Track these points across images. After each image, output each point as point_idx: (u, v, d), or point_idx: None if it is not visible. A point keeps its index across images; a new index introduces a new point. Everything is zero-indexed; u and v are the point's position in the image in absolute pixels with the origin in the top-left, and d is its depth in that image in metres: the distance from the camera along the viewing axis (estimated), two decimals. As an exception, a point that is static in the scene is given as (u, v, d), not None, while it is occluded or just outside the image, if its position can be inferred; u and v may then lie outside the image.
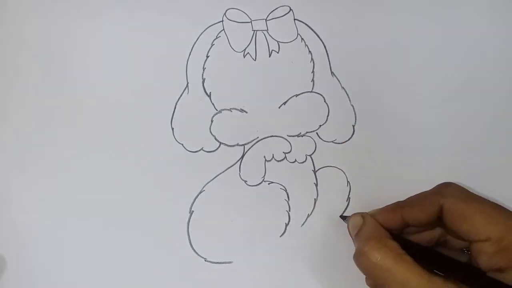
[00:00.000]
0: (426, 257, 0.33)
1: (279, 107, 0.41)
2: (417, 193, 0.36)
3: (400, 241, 0.33)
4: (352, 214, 0.37)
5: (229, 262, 0.39)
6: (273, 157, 0.40)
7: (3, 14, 0.41)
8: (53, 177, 0.40)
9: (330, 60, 0.41)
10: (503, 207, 0.33)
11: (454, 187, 0.35)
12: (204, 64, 0.41)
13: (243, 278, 0.39)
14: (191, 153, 0.40)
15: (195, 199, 0.40)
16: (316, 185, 0.40)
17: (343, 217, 0.39)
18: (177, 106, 0.41)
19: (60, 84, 0.41)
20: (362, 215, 0.36)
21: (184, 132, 0.40)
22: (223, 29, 0.41)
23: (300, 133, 0.41)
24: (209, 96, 0.41)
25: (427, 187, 0.39)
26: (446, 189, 0.35)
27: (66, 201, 0.39)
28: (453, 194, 0.34)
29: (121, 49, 0.41)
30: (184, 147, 0.40)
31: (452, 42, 0.42)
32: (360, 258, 0.32)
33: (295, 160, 0.40)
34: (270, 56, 0.41)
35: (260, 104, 0.41)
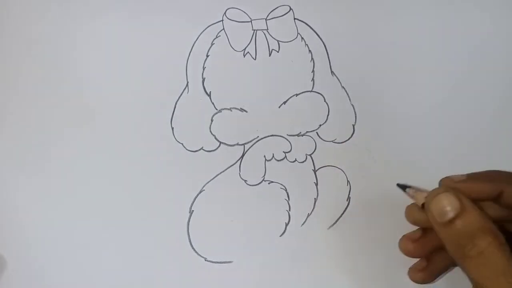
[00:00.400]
0: None
1: (279, 107, 0.41)
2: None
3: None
4: (437, 192, 0.27)
5: (229, 262, 0.39)
6: (273, 156, 0.40)
7: (3, 14, 0.41)
8: (52, 177, 0.39)
9: (330, 60, 0.41)
10: None
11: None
12: (204, 64, 0.41)
13: (243, 278, 0.39)
14: (191, 152, 0.40)
15: (195, 199, 0.40)
16: (316, 184, 0.40)
17: (402, 186, 0.30)
18: (177, 106, 0.41)
19: (60, 84, 0.41)
20: (457, 195, 0.26)
21: (184, 132, 0.40)
22: (223, 29, 0.41)
23: (300, 132, 0.41)
24: (209, 95, 0.41)
25: (427, 186, 0.39)
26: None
27: (65, 200, 0.39)
28: None
29: (121, 48, 0.41)
30: (184, 147, 0.40)
31: (452, 42, 0.42)
32: (470, 257, 0.25)
33: (295, 160, 0.40)
34: (270, 55, 0.41)
35: (260, 104, 0.41)
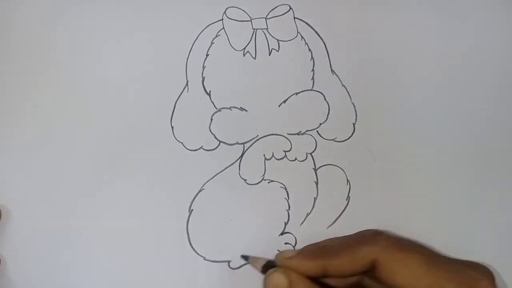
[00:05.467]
0: None
1: (279, 106, 0.41)
2: (334, 237, 0.34)
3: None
4: (271, 271, 0.31)
5: (228, 261, 0.39)
6: (273, 155, 0.40)
7: (3, 14, 0.42)
8: (50, 177, 0.40)
9: (330, 58, 0.41)
10: (427, 254, 0.31)
11: (385, 236, 0.32)
12: (203, 63, 0.41)
13: (243, 277, 0.39)
14: (191, 151, 0.40)
15: (194, 198, 0.40)
16: (317, 183, 0.40)
17: (244, 257, 0.35)
18: (176, 105, 0.41)
19: (59, 83, 0.41)
20: (284, 271, 0.30)
21: (184, 131, 0.40)
22: (223, 28, 0.41)
23: (300, 131, 0.41)
24: (209, 94, 0.41)
25: (428, 186, 0.39)
26: (377, 238, 0.31)
27: (64, 200, 0.39)
28: (387, 244, 0.31)
29: (121, 48, 0.41)
30: (184, 146, 0.40)
31: (453, 41, 0.41)
32: None
33: (295, 159, 0.40)
34: (270, 54, 0.41)
35: (260, 103, 0.41)
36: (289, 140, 0.40)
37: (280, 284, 0.30)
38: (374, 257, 0.30)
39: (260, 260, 0.33)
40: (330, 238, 0.34)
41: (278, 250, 0.39)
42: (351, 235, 0.33)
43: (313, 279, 0.31)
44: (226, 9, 0.42)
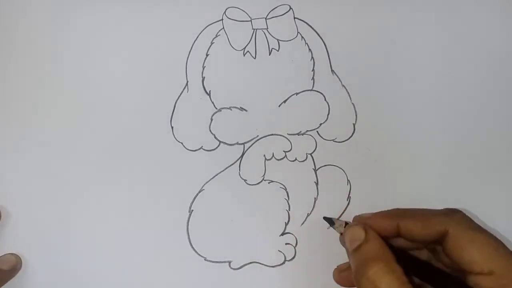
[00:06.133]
0: (428, 274, 0.32)
1: (279, 106, 0.41)
2: (421, 208, 0.36)
3: (404, 256, 0.32)
4: (351, 225, 0.34)
5: (229, 261, 0.39)
6: (273, 155, 0.40)
7: (3, 14, 0.41)
8: (51, 177, 0.40)
9: (330, 58, 0.41)
10: (504, 244, 0.32)
11: (462, 214, 0.33)
12: (204, 63, 0.41)
13: (243, 277, 0.39)
14: (191, 151, 0.40)
15: (194, 198, 0.40)
16: (317, 184, 0.40)
17: (328, 220, 0.37)
18: (176, 105, 0.40)
19: (59, 83, 0.41)
20: (364, 227, 0.33)
21: (184, 131, 0.40)
22: (223, 28, 0.41)
23: (301, 131, 0.41)
24: (209, 94, 0.41)
25: (428, 186, 0.39)
26: (454, 214, 0.33)
27: (64, 200, 0.39)
28: (461, 221, 0.32)
29: (121, 47, 0.41)
30: (184, 146, 0.40)
31: (453, 41, 0.41)
32: (362, 280, 0.30)
33: (296, 159, 0.40)
34: (270, 54, 0.41)
35: (260, 103, 0.41)
36: (289, 140, 0.40)
37: (357, 236, 0.32)
38: (445, 227, 0.32)
39: (342, 222, 0.36)
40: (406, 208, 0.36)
41: (279, 251, 0.39)
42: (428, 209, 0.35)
43: (388, 243, 0.32)
44: (226, 9, 0.41)
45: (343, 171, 0.40)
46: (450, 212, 0.34)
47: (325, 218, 0.37)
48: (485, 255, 0.31)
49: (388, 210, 0.35)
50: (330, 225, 0.36)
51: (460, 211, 0.34)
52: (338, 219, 0.37)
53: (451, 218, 0.32)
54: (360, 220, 0.34)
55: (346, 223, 0.35)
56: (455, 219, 0.32)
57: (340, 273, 0.36)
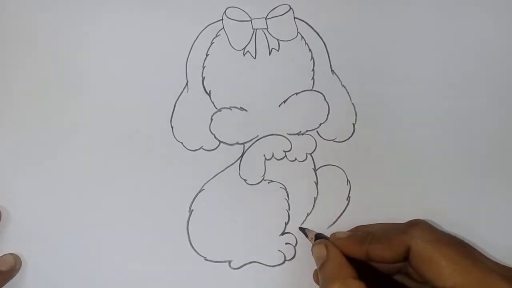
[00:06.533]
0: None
1: (279, 106, 0.41)
2: (385, 223, 0.37)
3: (366, 269, 0.33)
4: (316, 242, 0.35)
5: (229, 261, 0.39)
6: (273, 155, 0.40)
7: (3, 14, 0.41)
8: (51, 177, 0.40)
9: (330, 58, 0.41)
10: (470, 249, 0.33)
11: (423, 227, 0.33)
12: (203, 63, 0.41)
13: (243, 277, 0.39)
14: (191, 151, 0.40)
15: (194, 198, 0.40)
16: (317, 183, 0.40)
17: (302, 229, 0.38)
18: (176, 105, 0.41)
19: (59, 83, 0.41)
20: (326, 245, 0.34)
21: (184, 131, 0.40)
22: (223, 28, 0.41)
23: (300, 131, 0.41)
24: (209, 94, 0.41)
25: (428, 186, 0.39)
26: (415, 229, 0.33)
27: (64, 199, 0.39)
28: (421, 235, 0.32)
29: (121, 47, 0.41)
30: (184, 146, 0.40)
31: (453, 40, 0.41)
32: None
33: (295, 159, 0.40)
34: (270, 54, 0.41)
35: (260, 103, 0.41)
36: (289, 140, 0.40)
37: (321, 254, 0.34)
38: (407, 245, 0.32)
39: (313, 232, 0.37)
40: (381, 223, 0.37)
41: (279, 251, 0.39)
42: (396, 223, 0.36)
43: (364, 262, 0.34)
44: (226, 9, 0.41)
45: (343, 171, 0.40)
46: (410, 227, 0.33)
47: (300, 228, 0.39)
48: (445, 270, 0.30)
49: (356, 235, 0.35)
50: (306, 236, 0.38)
51: (421, 223, 0.34)
52: (310, 230, 0.38)
53: (411, 234, 0.32)
54: (333, 240, 0.35)
55: (317, 236, 0.36)
56: (415, 234, 0.32)
57: (316, 276, 0.37)
